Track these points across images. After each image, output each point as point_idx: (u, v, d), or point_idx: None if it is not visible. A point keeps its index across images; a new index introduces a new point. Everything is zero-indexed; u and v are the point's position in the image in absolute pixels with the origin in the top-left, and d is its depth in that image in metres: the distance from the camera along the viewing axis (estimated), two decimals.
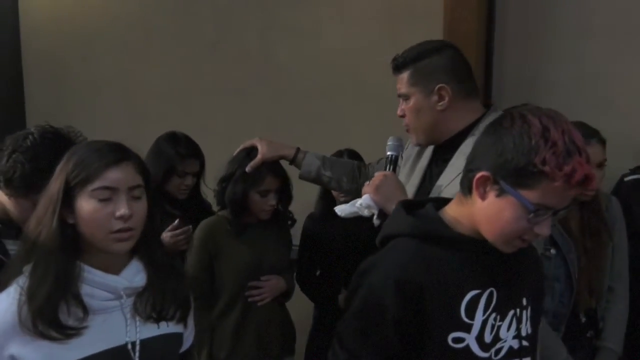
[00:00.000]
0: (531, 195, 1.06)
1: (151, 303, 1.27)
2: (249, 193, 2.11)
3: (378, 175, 1.61)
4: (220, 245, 2.14)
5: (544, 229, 1.10)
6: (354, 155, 2.56)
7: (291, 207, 2.36)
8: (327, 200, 2.59)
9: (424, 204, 1.26)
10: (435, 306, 1.13)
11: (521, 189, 1.07)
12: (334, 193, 2.55)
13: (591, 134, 2.03)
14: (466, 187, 1.16)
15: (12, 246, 1.53)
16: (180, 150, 2.30)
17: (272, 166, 2.09)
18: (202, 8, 3.43)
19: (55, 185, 1.21)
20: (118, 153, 1.23)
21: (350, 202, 1.63)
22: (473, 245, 1.17)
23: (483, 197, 1.12)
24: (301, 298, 2.62)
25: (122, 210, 1.19)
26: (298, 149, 2.03)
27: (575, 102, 2.53)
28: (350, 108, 3.11)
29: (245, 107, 3.31)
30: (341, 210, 1.63)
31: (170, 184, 2.31)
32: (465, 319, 1.15)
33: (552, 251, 2.01)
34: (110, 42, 3.72)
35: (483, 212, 1.13)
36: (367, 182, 1.63)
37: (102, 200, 1.19)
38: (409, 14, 2.88)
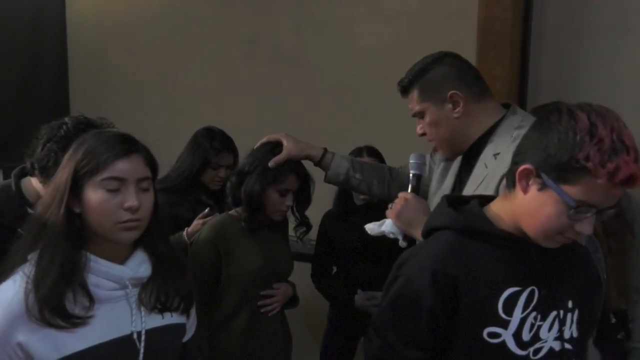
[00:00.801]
0: (573, 191, 1.05)
1: (156, 294, 1.28)
2: (268, 190, 1.97)
3: (399, 200, 1.60)
4: (231, 245, 2.00)
5: (585, 227, 1.07)
6: (373, 152, 2.52)
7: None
8: (345, 199, 2.56)
9: (469, 200, 1.26)
10: (470, 299, 1.13)
11: (563, 184, 1.06)
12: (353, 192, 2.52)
13: None
14: (510, 181, 1.16)
15: None
16: (215, 144, 2.43)
17: (295, 165, 1.98)
18: (239, 6, 3.46)
19: (63, 173, 1.22)
20: (128, 144, 1.24)
21: (379, 223, 1.65)
22: (515, 242, 1.16)
23: (525, 190, 1.12)
24: (316, 297, 2.60)
25: (131, 201, 1.20)
26: (325, 150, 1.94)
27: (614, 103, 2.40)
28: (383, 107, 3.05)
29: (278, 105, 3.33)
30: (370, 229, 1.65)
31: (205, 176, 2.44)
32: (503, 315, 1.14)
33: None
34: (151, 38, 3.81)
35: (524, 206, 1.12)
36: (390, 206, 1.63)
37: (111, 191, 1.20)
38: (442, 11, 2.83)
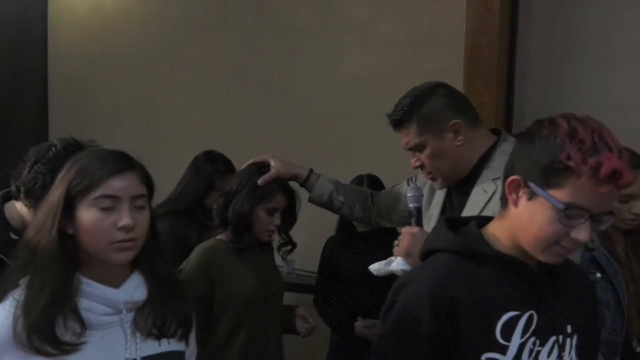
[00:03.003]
0: (560, 194, 1.03)
1: (152, 319, 1.21)
2: (256, 209, 1.96)
3: (405, 235, 1.56)
4: (222, 270, 1.96)
5: (581, 234, 1.04)
6: (374, 180, 2.53)
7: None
8: (347, 225, 2.57)
9: (467, 221, 1.24)
10: (469, 324, 1.10)
11: (550, 189, 1.04)
12: None
13: (637, 163, 1.96)
14: (503, 198, 1.14)
15: None
16: (218, 167, 2.48)
17: (283, 184, 1.99)
18: (226, 34, 3.49)
19: (56, 193, 1.17)
20: (122, 162, 1.20)
21: (386, 261, 1.61)
22: (514, 265, 1.14)
23: (516, 203, 1.10)
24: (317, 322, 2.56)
25: (125, 220, 1.15)
26: (311, 171, 1.97)
27: None
28: (371, 134, 3.05)
29: (265, 132, 3.33)
30: (376, 270, 1.61)
31: (209, 199, 2.45)
32: (501, 340, 1.11)
33: (598, 275, 1.94)
34: (135, 66, 3.80)
35: (518, 220, 1.11)
36: (396, 243, 1.59)
37: (104, 210, 1.15)
38: (429, 40, 2.89)
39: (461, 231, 1.20)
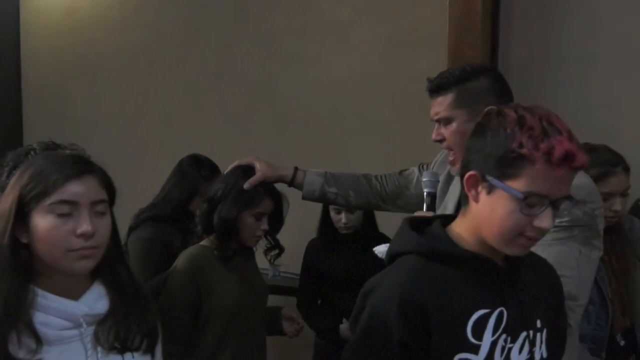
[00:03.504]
0: (518, 184, 1.04)
1: (114, 331, 1.14)
2: (243, 215, 1.90)
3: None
4: (209, 278, 1.90)
5: (544, 221, 1.05)
6: None
7: None
8: (328, 226, 2.54)
9: (432, 221, 1.23)
10: (440, 326, 1.09)
11: (507, 180, 1.05)
12: (334, 218, 2.50)
13: (616, 161, 2.00)
14: (463, 196, 1.14)
15: None
16: (204, 172, 2.42)
17: (269, 187, 1.94)
18: (204, 37, 3.44)
19: (7, 200, 1.09)
20: (80, 165, 1.13)
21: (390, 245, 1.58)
22: (480, 263, 1.13)
23: (476, 199, 1.10)
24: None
25: (84, 226, 1.08)
26: (296, 168, 1.92)
27: (582, 131, 2.45)
28: (353, 137, 3.08)
29: (247, 136, 3.29)
30: (381, 252, 1.55)
31: (193, 204, 2.39)
32: (473, 340, 1.10)
33: None
34: (112, 72, 3.73)
35: (480, 215, 1.10)
36: None
37: (61, 216, 1.08)
38: (411, 40, 2.87)
39: (426, 232, 1.19)
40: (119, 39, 3.70)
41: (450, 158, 1.60)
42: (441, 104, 1.55)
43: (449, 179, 1.71)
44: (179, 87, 3.51)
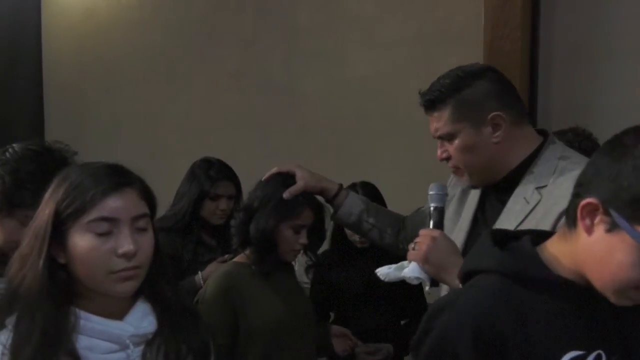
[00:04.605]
0: None
1: (164, 352, 1.07)
2: (281, 226, 1.76)
3: (424, 239, 1.36)
4: (246, 296, 1.78)
5: None
6: (369, 188, 2.32)
7: None
8: (340, 240, 2.36)
9: (520, 236, 1.04)
10: None
11: (639, 225, 0.86)
12: (348, 232, 2.31)
13: None
14: (571, 218, 0.94)
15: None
16: (211, 173, 2.31)
17: (311, 198, 1.78)
18: (224, 37, 3.40)
19: (42, 217, 1.03)
20: (118, 177, 1.06)
21: (396, 266, 1.42)
22: (578, 292, 0.95)
23: (589, 230, 0.90)
24: None
25: (126, 246, 1.01)
26: (341, 186, 1.76)
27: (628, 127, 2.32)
28: (379, 139, 2.99)
29: (268, 138, 3.24)
30: (385, 274, 1.43)
31: (204, 210, 2.29)
32: None
33: None
34: (132, 73, 3.72)
35: (589, 251, 0.91)
36: (412, 246, 1.39)
37: (101, 235, 1.01)
38: (441, 36, 2.77)
39: (511, 248, 1.00)
40: (138, 40, 3.69)
41: (453, 170, 1.45)
42: (439, 120, 1.39)
43: (463, 199, 1.53)
44: (198, 88, 3.48)
